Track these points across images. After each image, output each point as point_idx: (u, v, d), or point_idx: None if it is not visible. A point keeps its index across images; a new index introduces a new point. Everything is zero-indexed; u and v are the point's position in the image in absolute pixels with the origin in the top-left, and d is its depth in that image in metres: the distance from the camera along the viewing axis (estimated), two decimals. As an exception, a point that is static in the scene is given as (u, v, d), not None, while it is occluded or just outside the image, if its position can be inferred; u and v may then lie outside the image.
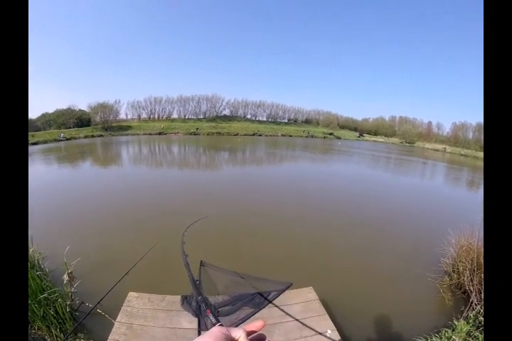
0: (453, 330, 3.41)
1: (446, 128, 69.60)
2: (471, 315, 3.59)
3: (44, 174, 13.74)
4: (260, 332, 0.63)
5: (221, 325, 0.87)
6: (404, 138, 65.08)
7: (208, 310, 1.20)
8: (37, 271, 3.86)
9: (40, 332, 3.32)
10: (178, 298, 3.29)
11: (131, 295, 3.56)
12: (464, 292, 4.52)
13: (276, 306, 3.38)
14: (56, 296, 3.53)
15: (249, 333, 0.59)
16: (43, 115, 44.33)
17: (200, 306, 1.65)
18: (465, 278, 4.46)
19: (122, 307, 3.34)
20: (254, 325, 0.63)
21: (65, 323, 3.45)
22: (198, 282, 1.60)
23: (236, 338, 0.55)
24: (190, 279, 1.61)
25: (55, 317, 3.38)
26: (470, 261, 4.56)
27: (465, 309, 3.83)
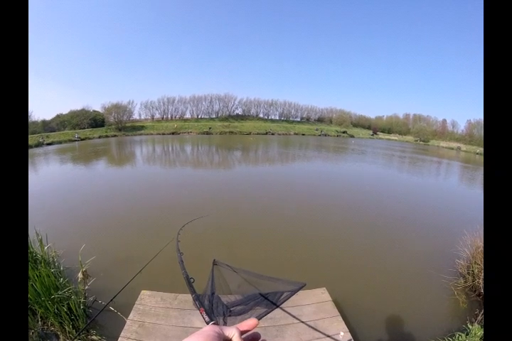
0: (467, 334, 3.34)
1: (461, 126, 68.07)
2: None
3: (59, 173, 14.05)
4: (254, 330, 0.63)
5: (214, 323, 0.88)
6: (419, 136, 63.86)
7: (202, 309, 1.20)
8: (52, 269, 3.96)
9: (52, 328, 3.40)
10: (191, 296, 3.30)
11: (144, 293, 3.61)
12: (479, 295, 4.43)
13: (289, 307, 3.37)
14: (70, 293, 3.58)
15: (242, 332, 0.59)
16: (58, 116, 44.96)
17: (212, 301, 1.66)
18: (480, 281, 4.37)
19: (135, 305, 3.39)
20: (247, 323, 0.63)
21: (77, 320, 3.51)
22: (192, 280, 1.61)
23: (230, 337, 0.55)
24: (184, 277, 1.63)
25: (68, 314, 3.43)
26: (486, 263, 4.46)
27: (479, 312, 3.75)
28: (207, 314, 1.16)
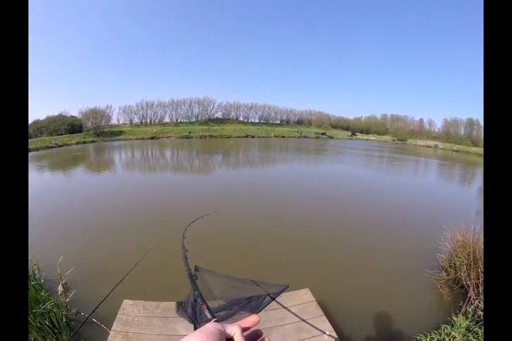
0: (452, 326, 3.40)
1: (438, 125, 70.59)
2: (470, 309, 3.59)
3: (35, 182, 13.56)
4: (256, 328, 0.62)
5: (216, 320, 0.85)
6: (397, 135, 65.58)
7: (204, 306, 1.17)
8: (32, 281, 3.80)
9: (36, 343, 3.27)
10: (173, 304, 3.24)
11: (126, 302, 3.52)
12: (462, 287, 4.52)
13: (273, 309, 3.36)
14: (52, 306, 3.47)
15: (244, 329, 0.58)
16: (34, 122, 43.85)
17: (195, 307, 1.62)
18: (462, 273, 4.46)
19: (117, 316, 3.30)
20: (249, 320, 0.61)
21: (60, 333, 3.40)
22: (195, 277, 1.57)
23: (231, 334, 0.54)
24: (187, 273, 1.59)
25: (50, 328, 3.33)
26: (466, 256, 4.57)
27: (463, 304, 3.82)
28: (209, 311, 1.13)
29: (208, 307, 1.15)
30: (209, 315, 1.09)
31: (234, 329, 0.54)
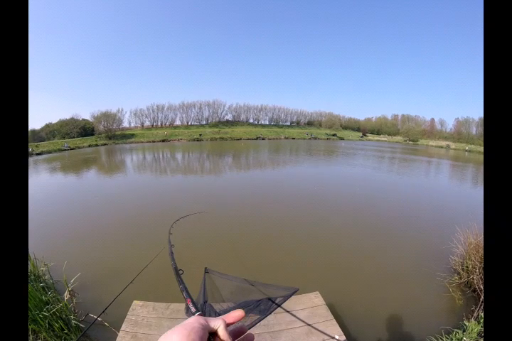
0: (463, 331, 3.33)
1: (449, 125, 69.59)
2: (482, 314, 3.51)
3: (47, 183, 13.82)
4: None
5: (200, 314, 0.85)
6: (408, 136, 64.92)
7: (188, 300, 1.18)
8: (41, 283, 3.86)
9: (46, 343, 3.32)
10: (183, 305, 3.25)
11: (136, 303, 3.53)
12: (474, 290, 4.44)
13: (283, 312, 3.33)
14: (61, 307, 3.52)
15: (228, 324, 0.57)
16: (47, 125, 44.88)
17: (204, 309, 1.64)
18: (474, 277, 4.38)
19: (127, 316, 3.31)
20: (233, 315, 0.59)
21: (69, 334, 3.43)
22: (181, 272, 1.59)
23: (215, 328, 0.53)
24: (173, 268, 1.62)
25: (59, 329, 3.37)
26: (479, 259, 4.47)
27: (475, 308, 3.75)
28: (193, 305, 1.13)
29: (192, 301, 1.16)
30: (193, 309, 1.09)
31: (218, 323, 0.53)
